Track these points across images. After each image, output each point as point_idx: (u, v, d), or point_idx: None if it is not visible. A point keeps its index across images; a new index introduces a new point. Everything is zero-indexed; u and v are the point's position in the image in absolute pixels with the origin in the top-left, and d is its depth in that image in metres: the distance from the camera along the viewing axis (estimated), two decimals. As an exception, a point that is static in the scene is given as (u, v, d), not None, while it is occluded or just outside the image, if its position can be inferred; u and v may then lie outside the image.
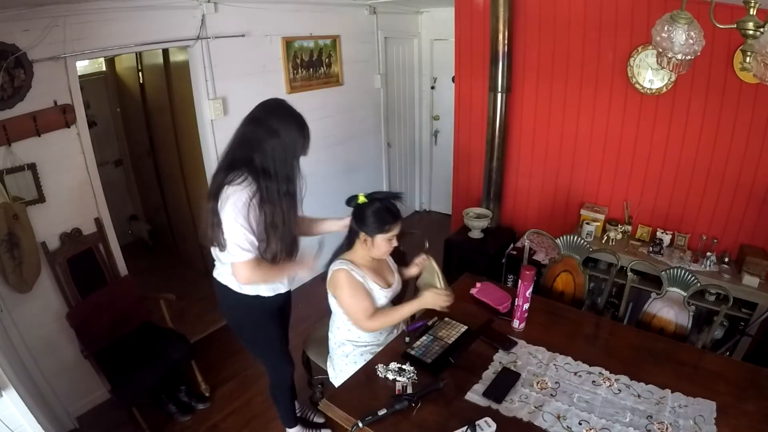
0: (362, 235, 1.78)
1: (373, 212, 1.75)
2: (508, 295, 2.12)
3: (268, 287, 1.81)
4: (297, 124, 1.63)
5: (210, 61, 2.83)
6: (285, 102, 1.67)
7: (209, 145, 2.97)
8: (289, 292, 1.94)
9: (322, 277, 1.91)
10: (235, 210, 1.55)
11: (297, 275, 1.84)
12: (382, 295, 1.86)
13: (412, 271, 2.07)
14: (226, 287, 1.79)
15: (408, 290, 2.20)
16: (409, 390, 1.60)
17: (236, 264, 1.61)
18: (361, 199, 1.79)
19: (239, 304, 1.81)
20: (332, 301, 1.89)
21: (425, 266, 2.06)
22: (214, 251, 1.73)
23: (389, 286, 1.92)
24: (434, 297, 1.80)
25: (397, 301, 1.98)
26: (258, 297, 1.80)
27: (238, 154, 1.61)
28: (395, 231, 1.79)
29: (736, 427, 1.45)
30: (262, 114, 1.63)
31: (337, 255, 1.88)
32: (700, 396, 1.56)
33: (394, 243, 1.82)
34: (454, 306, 2.06)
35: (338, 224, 1.99)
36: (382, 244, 1.78)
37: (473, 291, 2.19)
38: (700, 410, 1.51)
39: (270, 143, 1.58)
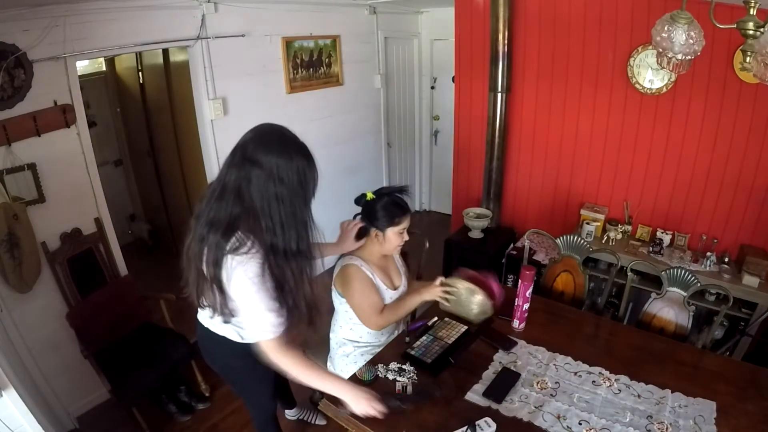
0: (373, 230, 1.79)
1: (383, 207, 1.76)
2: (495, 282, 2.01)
3: None
4: (305, 157, 1.28)
5: (210, 61, 2.83)
6: (284, 128, 1.32)
7: (209, 145, 2.97)
8: None
9: (324, 275, 1.89)
10: (247, 286, 1.27)
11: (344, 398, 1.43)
12: (387, 296, 1.87)
13: (427, 296, 1.84)
14: (221, 338, 1.55)
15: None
16: (409, 390, 1.60)
17: (262, 343, 1.35)
18: (369, 195, 1.80)
19: (235, 353, 1.56)
20: (336, 300, 1.88)
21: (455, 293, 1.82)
22: (200, 306, 1.47)
23: (395, 288, 1.92)
24: (435, 290, 1.80)
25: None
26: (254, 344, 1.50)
27: (232, 209, 1.25)
28: (405, 224, 1.79)
29: (736, 427, 1.45)
30: (256, 151, 1.23)
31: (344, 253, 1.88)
32: (700, 396, 1.56)
33: (405, 237, 1.83)
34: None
35: (336, 248, 1.86)
36: (393, 237, 1.79)
37: None
38: (700, 410, 1.51)
39: (270, 190, 1.23)
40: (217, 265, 1.27)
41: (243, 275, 1.26)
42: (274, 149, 1.24)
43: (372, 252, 1.85)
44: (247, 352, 1.48)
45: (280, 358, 1.36)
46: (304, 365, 1.39)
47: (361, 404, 1.38)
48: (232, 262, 1.26)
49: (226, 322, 1.42)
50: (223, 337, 1.55)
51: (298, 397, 2.40)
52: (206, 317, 1.58)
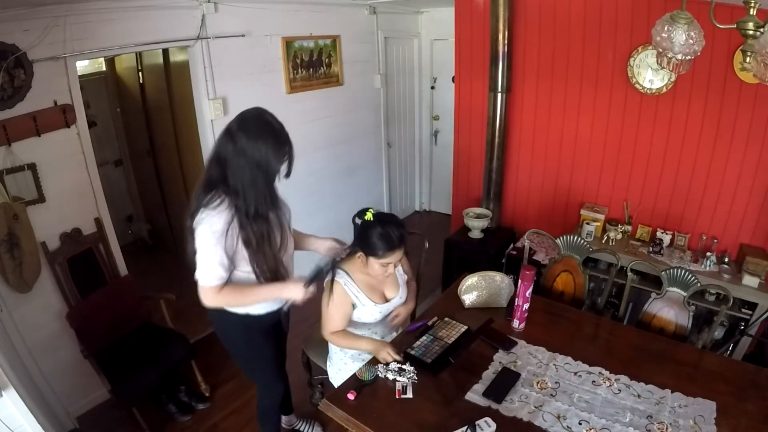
0: (359, 251, 1.76)
1: (375, 235, 1.69)
2: None
3: (259, 305, 1.70)
4: (273, 140, 1.49)
5: (210, 61, 2.83)
6: (265, 113, 1.53)
7: (209, 145, 2.95)
8: (285, 309, 1.77)
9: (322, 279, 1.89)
10: (208, 235, 1.47)
11: (282, 297, 1.65)
12: (376, 311, 1.84)
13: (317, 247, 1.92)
14: (219, 309, 1.66)
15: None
16: (410, 391, 1.60)
17: (201, 287, 1.53)
18: (369, 216, 1.73)
19: (229, 323, 1.72)
20: None
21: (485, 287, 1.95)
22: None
23: (386, 300, 1.89)
24: (382, 348, 1.75)
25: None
26: (248, 316, 1.69)
27: (213, 171, 1.51)
28: (390, 259, 1.72)
29: (736, 427, 1.45)
30: (235, 127, 1.49)
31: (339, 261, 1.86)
32: (700, 396, 1.56)
33: (390, 270, 1.76)
34: (453, 306, 2.07)
35: (321, 246, 1.90)
36: (376, 266, 1.73)
37: None
38: (700, 410, 1.51)
39: (238, 162, 1.46)
40: (192, 216, 1.50)
41: (207, 227, 1.47)
42: (247, 129, 1.48)
43: (360, 266, 1.80)
44: (243, 323, 1.70)
45: (217, 299, 1.55)
46: (237, 292, 1.58)
47: (297, 291, 1.58)
48: (202, 215, 1.47)
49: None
50: (220, 308, 1.65)
51: (296, 404, 2.41)
52: None
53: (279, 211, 1.66)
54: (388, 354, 1.71)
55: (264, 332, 1.80)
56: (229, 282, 1.56)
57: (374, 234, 1.69)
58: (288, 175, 1.57)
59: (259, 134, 1.47)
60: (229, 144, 1.47)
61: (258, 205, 1.52)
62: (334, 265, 1.74)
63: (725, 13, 2.18)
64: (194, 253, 1.52)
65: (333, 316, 1.81)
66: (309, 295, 1.61)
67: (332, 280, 1.78)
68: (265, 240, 1.57)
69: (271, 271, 1.62)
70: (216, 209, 1.47)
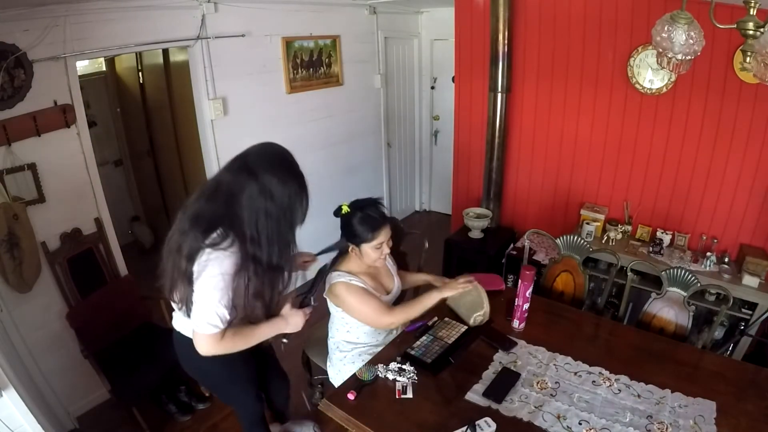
0: (350, 245, 1.77)
1: (357, 222, 1.71)
2: (496, 275, 2.22)
3: None
4: (299, 185, 1.35)
5: (210, 61, 2.83)
6: (288, 152, 1.39)
7: (209, 145, 2.97)
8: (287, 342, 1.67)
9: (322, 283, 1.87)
10: (218, 279, 1.30)
11: (285, 332, 1.57)
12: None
13: (447, 292, 1.85)
14: (191, 339, 1.48)
15: (407, 295, 2.20)
16: (410, 391, 1.60)
17: (199, 336, 1.37)
18: (344, 209, 1.73)
19: (210, 356, 1.48)
20: (330, 305, 1.89)
21: (470, 293, 1.92)
22: (172, 300, 1.48)
23: (387, 292, 1.91)
24: (452, 286, 1.83)
25: (396, 303, 1.97)
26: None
27: (217, 208, 1.31)
28: (381, 238, 1.73)
29: (736, 426, 1.45)
30: (258, 165, 1.31)
31: (333, 265, 1.85)
32: (700, 396, 1.56)
33: (385, 250, 1.77)
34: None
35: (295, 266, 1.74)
36: (371, 252, 1.74)
37: None
38: (700, 410, 1.51)
39: (262, 204, 1.29)
40: (190, 259, 1.31)
41: (217, 269, 1.29)
42: (273, 168, 1.32)
43: (357, 263, 1.81)
44: (222, 354, 1.49)
45: (218, 347, 1.40)
46: (239, 337, 1.44)
47: (298, 321, 1.54)
48: (208, 256, 1.29)
49: (189, 316, 1.42)
50: (191, 339, 1.50)
51: (298, 409, 2.39)
52: (179, 321, 1.58)
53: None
54: (449, 289, 1.79)
55: (243, 357, 1.61)
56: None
57: (356, 221, 1.71)
58: (303, 221, 1.42)
59: (289, 176, 1.33)
60: (251, 183, 1.29)
61: (281, 254, 1.37)
62: (329, 268, 1.75)
63: (725, 13, 2.18)
64: (187, 298, 1.36)
65: (368, 306, 1.75)
66: (307, 317, 1.56)
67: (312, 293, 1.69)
68: (275, 290, 1.44)
69: (269, 314, 1.51)
70: (228, 250, 1.30)
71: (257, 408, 1.85)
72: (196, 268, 1.31)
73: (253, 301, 1.40)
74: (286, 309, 1.56)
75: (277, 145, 1.41)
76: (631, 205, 3.18)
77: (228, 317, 1.36)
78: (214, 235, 1.30)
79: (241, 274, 1.33)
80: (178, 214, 1.42)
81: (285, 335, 1.59)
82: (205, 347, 1.39)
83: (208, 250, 1.29)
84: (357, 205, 1.75)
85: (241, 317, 1.46)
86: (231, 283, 1.32)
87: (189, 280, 1.33)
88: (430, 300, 1.80)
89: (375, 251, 1.75)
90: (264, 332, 1.51)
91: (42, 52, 2.11)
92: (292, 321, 1.55)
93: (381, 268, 1.93)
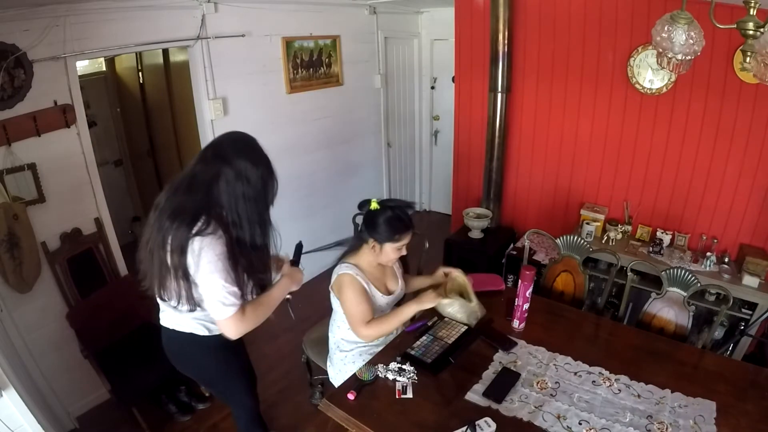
0: (371, 241, 1.77)
1: (385, 220, 1.73)
2: (495, 275, 2.23)
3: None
4: (267, 167, 1.43)
5: (210, 61, 2.83)
6: (254, 138, 1.47)
7: (209, 145, 2.97)
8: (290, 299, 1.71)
9: (324, 277, 1.90)
10: (213, 260, 1.34)
11: (292, 288, 1.63)
12: (383, 302, 1.87)
13: (426, 304, 1.83)
14: (188, 335, 1.54)
15: (408, 298, 2.20)
16: (409, 391, 1.60)
17: (223, 321, 1.40)
18: (374, 205, 1.76)
19: (204, 349, 1.58)
20: (334, 301, 1.89)
21: (452, 280, 1.95)
22: (158, 298, 1.51)
23: (390, 293, 1.92)
24: (431, 297, 1.80)
25: (397, 306, 1.97)
26: (222, 335, 1.50)
27: (201, 199, 1.35)
28: (405, 240, 1.78)
29: (736, 427, 1.45)
30: (229, 151, 1.38)
31: (342, 258, 1.87)
32: (700, 396, 1.56)
33: (403, 251, 1.81)
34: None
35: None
36: (391, 251, 1.78)
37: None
38: (700, 410, 1.51)
39: (241, 189, 1.36)
40: (182, 251, 1.33)
41: (211, 253, 1.33)
42: (243, 153, 1.39)
43: (368, 260, 1.83)
44: (216, 347, 1.57)
45: (245, 323, 1.43)
46: (258, 306, 1.48)
47: (298, 275, 1.63)
48: (200, 244, 1.32)
49: (191, 310, 1.44)
50: (190, 334, 1.54)
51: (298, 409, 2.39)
52: (169, 318, 1.57)
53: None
54: (433, 298, 1.77)
55: (235, 348, 1.66)
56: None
57: (386, 219, 1.73)
58: (273, 202, 1.50)
59: (258, 160, 1.40)
60: (226, 169, 1.35)
61: (262, 234, 1.44)
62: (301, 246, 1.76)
63: (725, 13, 2.18)
64: (185, 293, 1.39)
65: (359, 307, 1.76)
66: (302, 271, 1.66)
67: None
68: (264, 267, 1.51)
69: (262, 281, 1.56)
70: (215, 234, 1.34)
71: (253, 404, 1.84)
72: (190, 259, 1.33)
73: (245, 280, 1.44)
74: (286, 268, 1.65)
75: (242, 132, 1.47)
76: (631, 205, 3.18)
77: (239, 292, 1.40)
78: (199, 224, 1.33)
79: (230, 255, 1.38)
80: (150, 214, 1.44)
81: (290, 293, 1.64)
82: (234, 328, 1.42)
83: (198, 238, 1.32)
84: (387, 204, 1.77)
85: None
86: (226, 262, 1.37)
87: (185, 273, 1.35)
88: (406, 312, 1.78)
89: (395, 251, 1.78)
90: (276, 294, 1.56)
91: (42, 52, 2.11)
92: (295, 278, 1.62)
93: (388, 269, 1.94)
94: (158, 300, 1.54)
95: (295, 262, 1.71)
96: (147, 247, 1.42)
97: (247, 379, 1.81)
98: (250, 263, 1.44)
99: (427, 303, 1.79)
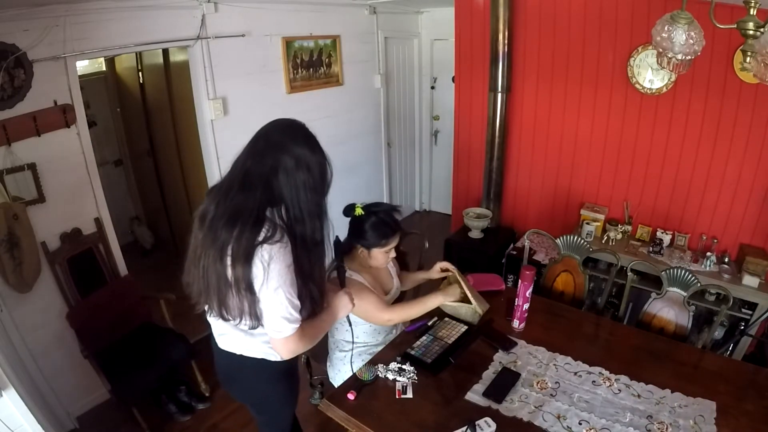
0: (359, 247, 1.77)
1: (371, 226, 1.72)
2: (495, 275, 2.23)
3: None
4: (322, 153, 1.27)
5: (210, 61, 2.83)
6: (304, 124, 1.31)
7: (209, 145, 2.97)
8: None
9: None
10: (284, 273, 1.19)
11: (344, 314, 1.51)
12: None
13: (450, 297, 1.87)
14: (256, 361, 1.39)
15: (407, 295, 2.20)
16: (409, 391, 1.60)
17: (282, 340, 1.25)
18: (358, 211, 1.74)
19: (272, 376, 1.45)
20: None
21: (450, 279, 1.98)
22: (220, 318, 1.31)
23: (386, 292, 1.92)
24: (456, 292, 1.86)
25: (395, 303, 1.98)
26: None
27: (262, 196, 1.19)
28: (393, 244, 1.77)
29: (736, 427, 1.45)
30: (284, 139, 1.22)
31: (337, 260, 1.85)
32: (700, 396, 1.56)
33: (392, 254, 1.81)
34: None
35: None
36: (380, 256, 1.77)
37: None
38: (700, 410, 1.51)
39: (303, 177, 1.20)
40: (247, 261, 1.16)
41: (282, 264, 1.19)
42: (299, 140, 1.23)
43: (359, 262, 1.82)
44: (284, 372, 1.46)
45: (301, 344, 1.29)
46: (313, 327, 1.34)
47: (347, 305, 1.47)
48: (269, 254, 1.17)
49: (253, 327, 1.28)
50: (262, 360, 1.40)
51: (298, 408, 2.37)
52: (233, 342, 1.40)
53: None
54: (459, 293, 1.81)
55: (295, 371, 1.58)
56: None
57: (371, 225, 1.72)
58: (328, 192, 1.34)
59: (315, 145, 1.25)
60: (284, 158, 1.19)
61: (322, 228, 1.28)
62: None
63: (725, 13, 2.18)
64: (248, 309, 1.22)
65: (367, 300, 1.74)
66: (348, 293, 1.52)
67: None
68: (323, 266, 1.34)
69: (321, 297, 1.39)
70: (281, 242, 1.19)
71: (288, 427, 1.71)
72: (256, 270, 1.18)
73: (304, 284, 1.28)
74: (334, 297, 1.48)
75: (289, 118, 1.31)
76: (631, 205, 3.18)
77: (300, 305, 1.26)
78: (264, 229, 1.18)
79: (295, 264, 1.23)
80: (194, 229, 1.28)
81: None
82: (292, 347, 1.28)
83: (266, 246, 1.17)
84: (371, 209, 1.75)
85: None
86: (292, 276, 1.23)
87: (248, 286, 1.19)
88: (431, 302, 1.82)
89: (384, 255, 1.78)
90: (330, 318, 1.44)
91: (42, 52, 2.11)
92: (343, 301, 1.48)
93: (382, 270, 1.94)
94: (211, 320, 1.40)
95: (340, 266, 1.67)
96: (199, 264, 1.25)
97: (296, 406, 1.69)
98: (309, 264, 1.28)
99: (451, 296, 1.85)
